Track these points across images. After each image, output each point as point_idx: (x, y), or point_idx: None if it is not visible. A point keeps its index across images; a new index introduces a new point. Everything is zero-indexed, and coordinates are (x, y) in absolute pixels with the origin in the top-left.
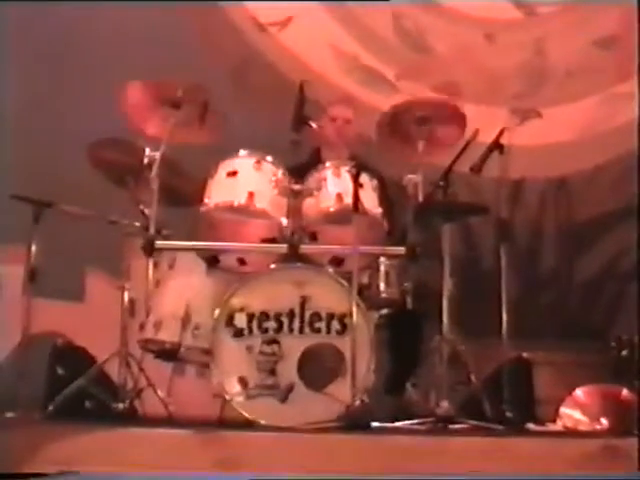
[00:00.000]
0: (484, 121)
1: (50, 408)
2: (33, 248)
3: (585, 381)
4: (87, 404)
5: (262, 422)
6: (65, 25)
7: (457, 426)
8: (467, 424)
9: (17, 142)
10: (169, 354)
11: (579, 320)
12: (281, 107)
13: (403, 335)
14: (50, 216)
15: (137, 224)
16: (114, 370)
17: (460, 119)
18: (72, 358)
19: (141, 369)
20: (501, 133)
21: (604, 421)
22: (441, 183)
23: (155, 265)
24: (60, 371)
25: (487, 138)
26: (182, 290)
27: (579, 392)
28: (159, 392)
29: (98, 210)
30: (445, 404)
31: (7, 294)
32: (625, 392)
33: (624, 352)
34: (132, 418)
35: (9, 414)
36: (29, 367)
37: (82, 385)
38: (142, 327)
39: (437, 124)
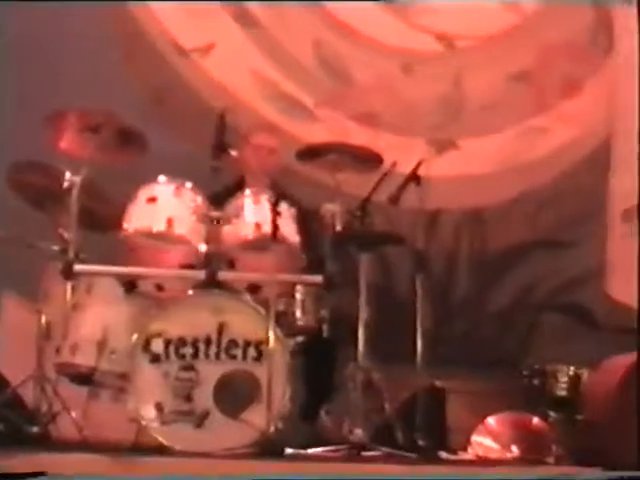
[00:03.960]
0: (401, 151)
1: None
2: None
3: (497, 409)
4: (0, 427)
5: (177, 448)
6: None
7: (370, 453)
8: (380, 451)
9: None
10: (84, 378)
11: (492, 349)
12: (202, 133)
13: (318, 362)
14: None
15: (55, 247)
16: (29, 393)
17: (377, 162)
18: None
19: (56, 392)
20: (418, 165)
21: (514, 449)
22: (358, 213)
23: (72, 289)
24: None
25: (404, 168)
26: (99, 314)
27: (491, 420)
28: (74, 415)
29: (16, 232)
30: (359, 431)
31: None
32: (536, 420)
33: (535, 381)
34: (46, 442)
35: None
36: None
37: None
38: (58, 351)
39: (352, 169)
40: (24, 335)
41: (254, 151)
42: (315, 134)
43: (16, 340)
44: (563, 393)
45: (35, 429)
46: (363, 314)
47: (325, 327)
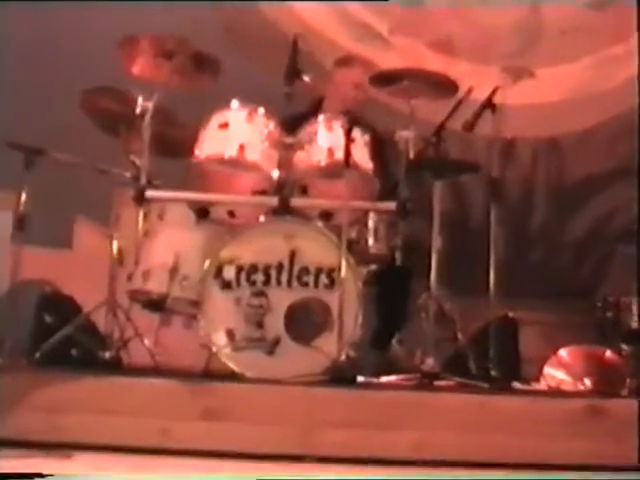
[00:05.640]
0: (477, 78)
1: (37, 355)
2: (23, 195)
3: (570, 341)
4: (73, 352)
5: (248, 374)
6: None
7: (442, 383)
8: (452, 381)
9: (9, 88)
10: (156, 304)
11: (566, 280)
12: (275, 59)
13: (391, 291)
14: (41, 163)
15: (127, 174)
16: (101, 319)
17: (451, 89)
18: (59, 306)
19: (128, 319)
20: (494, 92)
21: (587, 381)
22: (433, 140)
23: (145, 215)
24: (47, 319)
25: (480, 95)
26: (171, 241)
27: (563, 352)
28: (146, 342)
29: (89, 158)
30: (430, 360)
31: None
32: (609, 353)
33: (609, 313)
34: (118, 367)
35: None
36: (17, 314)
37: (69, 333)
38: (130, 277)
39: (427, 95)
40: (97, 261)
41: (339, 85)
42: (390, 61)
43: (89, 266)
44: (637, 326)
45: (108, 354)
46: (436, 243)
47: (398, 255)
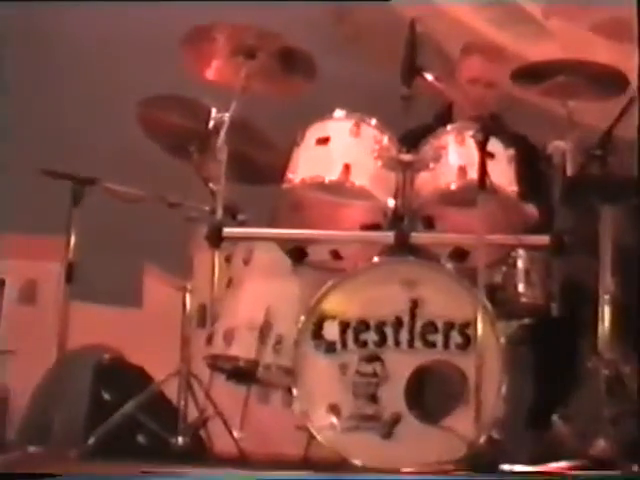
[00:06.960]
0: None
1: (90, 442)
2: (72, 239)
3: None
4: (140, 438)
5: (359, 463)
6: None
7: (617, 472)
8: (632, 469)
9: (47, 106)
10: (244, 374)
11: None
12: (390, 55)
13: (548, 352)
14: (93, 197)
15: (205, 207)
16: (174, 395)
17: (621, 84)
18: (122, 379)
19: (207, 394)
20: None
21: None
22: (598, 152)
23: (227, 260)
24: (106, 395)
25: None
26: (260, 292)
27: None
28: (230, 423)
29: (155, 189)
30: (602, 442)
31: (42, 298)
32: None
33: None
34: (195, 456)
35: (32, 448)
36: (67, 390)
37: (131, 413)
38: (210, 339)
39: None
40: (169, 320)
41: (470, 83)
42: (545, 52)
43: (160, 326)
44: None
45: (181, 440)
46: (606, 286)
47: (555, 305)
